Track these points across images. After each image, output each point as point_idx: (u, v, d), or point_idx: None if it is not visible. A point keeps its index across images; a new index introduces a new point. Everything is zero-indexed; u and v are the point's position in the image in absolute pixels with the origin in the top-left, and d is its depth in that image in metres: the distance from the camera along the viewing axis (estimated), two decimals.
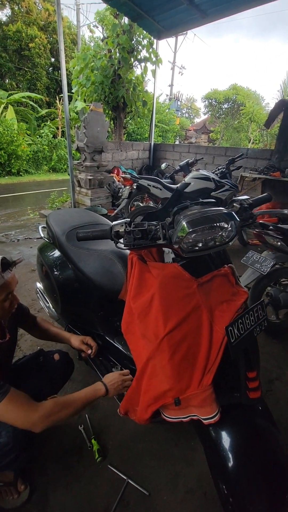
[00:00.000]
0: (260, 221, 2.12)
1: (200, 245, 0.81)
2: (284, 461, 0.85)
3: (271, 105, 17.86)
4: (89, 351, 1.26)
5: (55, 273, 1.53)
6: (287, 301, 2.00)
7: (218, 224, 0.78)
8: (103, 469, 1.25)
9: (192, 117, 26.76)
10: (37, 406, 0.88)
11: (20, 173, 10.40)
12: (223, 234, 0.81)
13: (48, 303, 1.79)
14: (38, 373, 1.20)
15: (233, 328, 0.79)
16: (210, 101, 18.52)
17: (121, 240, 0.90)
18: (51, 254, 1.62)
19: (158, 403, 0.85)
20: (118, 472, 1.23)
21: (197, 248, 0.82)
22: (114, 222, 0.92)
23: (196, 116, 27.11)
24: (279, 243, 2.02)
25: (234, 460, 0.83)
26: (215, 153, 5.57)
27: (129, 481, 1.20)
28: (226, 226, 0.78)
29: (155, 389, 0.85)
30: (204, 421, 0.81)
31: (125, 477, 1.21)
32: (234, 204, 0.96)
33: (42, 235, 1.72)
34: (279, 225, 2.03)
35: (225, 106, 18.11)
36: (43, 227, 1.79)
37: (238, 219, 0.79)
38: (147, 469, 1.27)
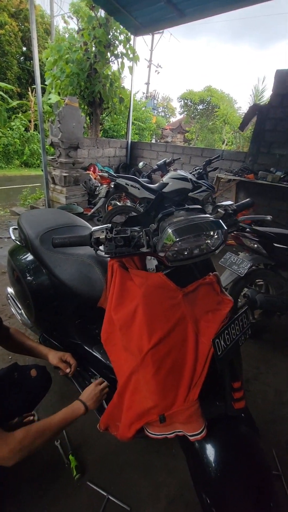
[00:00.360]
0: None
1: (186, 253, 0.78)
2: (267, 468, 0.85)
3: (243, 109, 18.57)
4: (68, 370, 1.17)
5: (28, 278, 1.42)
6: (264, 302, 2.05)
7: (205, 232, 0.75)
8: (82, 487, 1.18)
9: (168, 116, 26.95)
10: (7, 437, 0.78)
11: None
12: (209, 242, 0.78)
13: (20, 309, 1.67)
14: (13, 391, 1.09)
15: (220, 340, 0.77)
16: (186, 101, 18.80)
17: (101, 247, 0.84)
18: (23, 258, 1.50)
19: (142, 421, 0.80)
20: (97, 489, 1.17)
21: (182, 256, 0.78)
22: (94, 228, 0.85)
23: (172, 116, 27.36)
24: (255, 245, 2.06)
25: (218, 470, 0.81)
26: (192, 154, 5.62)
27: (110, 497, 1.15)
28: (213, 234, 0.75)
29: (138, 406, 0.80)
30: (190, 438, 0.77)
31: (105, 493, 1.16)
32: (219, 210, 0.93)
33: (13, 238, 1.59)
34: (255, 228, 2.07)
35: (200, 107, 18.48)
36: (14, 228, 1.66)
37: (225, 228, 0.76)
38: (128, 482, 1.22)
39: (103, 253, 0.84)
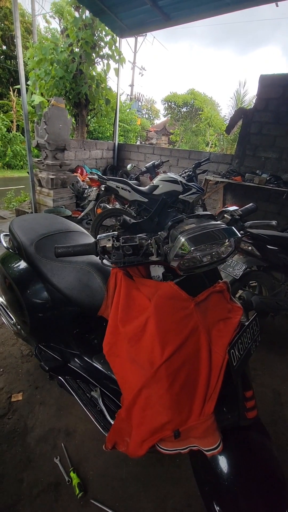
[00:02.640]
0: None
1: (197, 262, 0.75)
2: (281, 474, 0.83)
3: (224, 112, 18.93)
4: None
5: (22, 287, 1.35)
6: (259, 303, 2.06)
7: (219, 240, 0.72)
8: (85, 505, 1.13)
9: (152, 118, 27.04)
10: None
11: None
12: (222, 249, 0.76)
13: (12, 319, 1.59)
14: None
15: (234, 350, 0.75)
16: (170, 103, 18.95)
17: (107, 256, 0.80)
18: (16, 265, 1.43)
19: (155, 438, 0.77)
20: (102, 506, 1.12)
21: (194, 265, 0.75)
22: (99, 236, 0.81)
23: (156, 118, 27.47)
24: (249, 248, 2.08)
25: (230, 480, 0.79)
26: (180, 156, 5.65)
27: None
28: (226, 242, 0.73)
29: (150, 422, 0.76)
30: (207, 453, 0.75)
31: (110, 511, 1.11)
32: (225, 215, 0.92)
33: (5, 245, 1.51)
34: (249, 230, 2.08)
35: (184, 109, 18.67)
36: (5, 234, 1.58)
37: (239, 235, 0.75)
38: (134, 496, 1.18)
39: (109, 263, 0.80)
